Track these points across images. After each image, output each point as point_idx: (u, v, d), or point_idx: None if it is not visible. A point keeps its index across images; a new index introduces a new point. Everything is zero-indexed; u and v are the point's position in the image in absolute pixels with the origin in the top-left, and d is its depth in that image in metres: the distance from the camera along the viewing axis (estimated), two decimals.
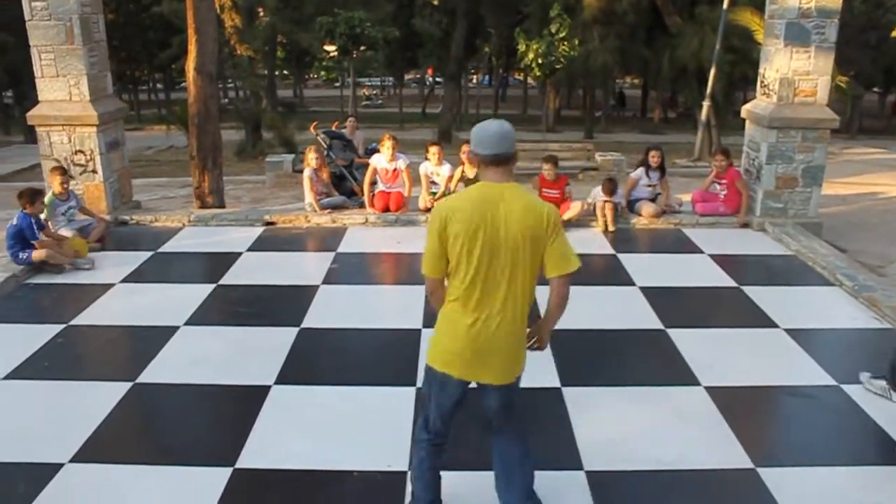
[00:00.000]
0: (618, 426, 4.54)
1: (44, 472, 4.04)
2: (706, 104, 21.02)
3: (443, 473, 3.68)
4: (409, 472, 3.90)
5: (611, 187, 8.86)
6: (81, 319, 6.19)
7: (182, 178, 16.50)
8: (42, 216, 7.67)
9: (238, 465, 4.14)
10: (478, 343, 3.31)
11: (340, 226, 8.90)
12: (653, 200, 9.13)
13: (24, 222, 7.20)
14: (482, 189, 3.28)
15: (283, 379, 5.10)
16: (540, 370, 5.06)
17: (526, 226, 3.23)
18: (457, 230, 3.19)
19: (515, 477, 3.59)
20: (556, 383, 5.03)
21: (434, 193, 9.21)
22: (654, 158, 9.17)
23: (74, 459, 4.18)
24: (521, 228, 3.22)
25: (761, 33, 10.11)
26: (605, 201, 8.73)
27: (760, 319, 6.21)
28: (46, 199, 7.90)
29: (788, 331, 5.93)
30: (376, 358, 5.54)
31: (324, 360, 5.51)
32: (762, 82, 9.03)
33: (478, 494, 3.90)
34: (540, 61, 25.57)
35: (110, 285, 6.95)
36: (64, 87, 8.64)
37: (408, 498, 3.78)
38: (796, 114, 8.57)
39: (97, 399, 4.84)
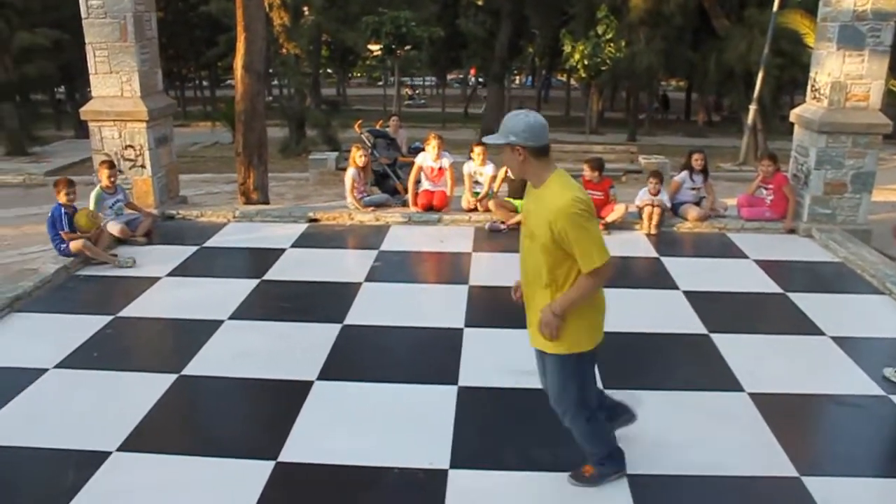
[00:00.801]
0: (660, 430, 4.50)
1: (92, 460, 4.13)
2: (753, 108, 20.76)
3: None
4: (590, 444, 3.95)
5: (658, 179, 8.78)
6: (129, 311, 6.31)
7: (227, 175, 16.72)
8: (90, 207, 7.83)
9: (280, 458, 4.19)
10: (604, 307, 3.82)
11: (383, 224, 8.95)
12: (697, 204, 9.04)
13: (56, 212, 7.37)
14: (568, 176, 3.55)
15: (325, 375, 5.15)
16: None
17: None
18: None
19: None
20: (599, 385, 4.99)
21: (477, 193, 9.22)
22: (697, 161, 9.08)
23: (122, 448, 4.27)
24: None
25: (811, 36, 9.96)
26: (650, 205, 8.67)
27: (806, 326, 6.11)
28: (94, 193, 8.07)
29: (835, 339, 5.83)
30: (418, 356, 5.56)
31: (366, 356, 5.54)
32: (812, 86, 8.88)
33: (525, 495, 3.89)
34: (585, 62, 25.43)
35: (157, 279, 7.08)
36: (116, 84, 8.82)
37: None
38: (847, 119, 8.41)
39: (143, 390, 4.93)
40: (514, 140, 3.43)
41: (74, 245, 7.30)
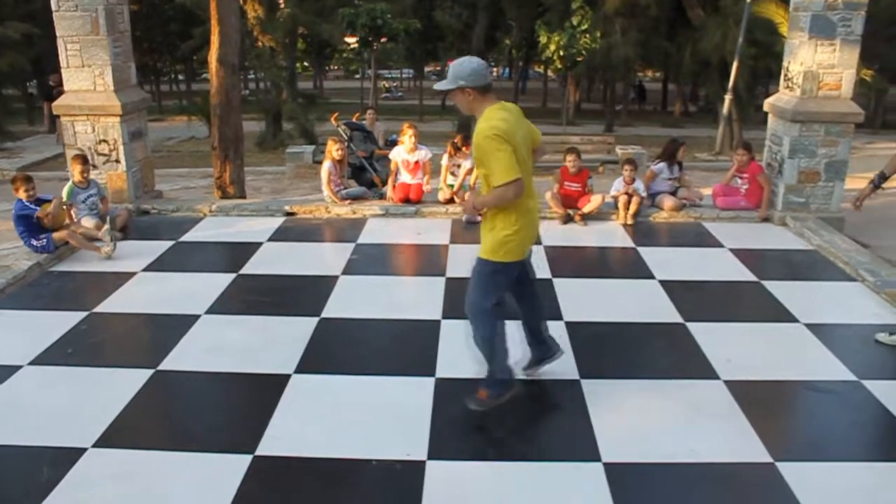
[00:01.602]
0: (636, 419, 4.54)
1: (67, 457, 4.10)
2: (728, 98, 20.86)
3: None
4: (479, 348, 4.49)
5: (632, 167, 8.83)
6: (104, 307, 6.26)
7: (203, 169, 16.60)
8: (65, 199, 7.79)
9: (258, 452, 4.18)
10: (536, 222, 4.47)
11: (360, 217, 8.93)
12: (672, 194, 9.10)
13: (17, 206, 7.32)
14: (507, 106, 4.21)
15: (302, 368, 5.14)
16: (559, 362, 5.07)
17: (531, 132, 4.34)
18: (517, 140, 4.07)
19: (544, 318, 4.88)
20: (575, 375, 5.03)
21: (452, 185, 9.21)
22: (683, 153, 9.16)
23: (97, 444, 4.24)
24: (529, 134, 4.30)
25: (786, 26, 10.02)
26: (627, 194, 8.70)
27: (781, 314, 6.18)
28: (66, 188, 8.00)
29: (809, 325, 5.90)
30: (396, 348, 5.57)
31: (343, 349, 5.54)
32: (786, 76, 8.96)
33: (502, 484, 3.91)
34: (561, 54, 25.46)
35: (132, 274, 7.02)
36: (89, 78, 8.73)
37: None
38: (820, 107, 8.49)
39: (119, 385, 4.90)
40: (462, 84, 4.10)
41: (59, 235, 7.27)
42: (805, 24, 8.36)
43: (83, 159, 8.23)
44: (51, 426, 4.43)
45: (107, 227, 7.59)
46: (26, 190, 7.34)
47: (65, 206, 7.67)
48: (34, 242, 7.26)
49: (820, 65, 8.40)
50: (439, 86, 4.27)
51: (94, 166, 8.81)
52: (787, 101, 8.74)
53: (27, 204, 7.30)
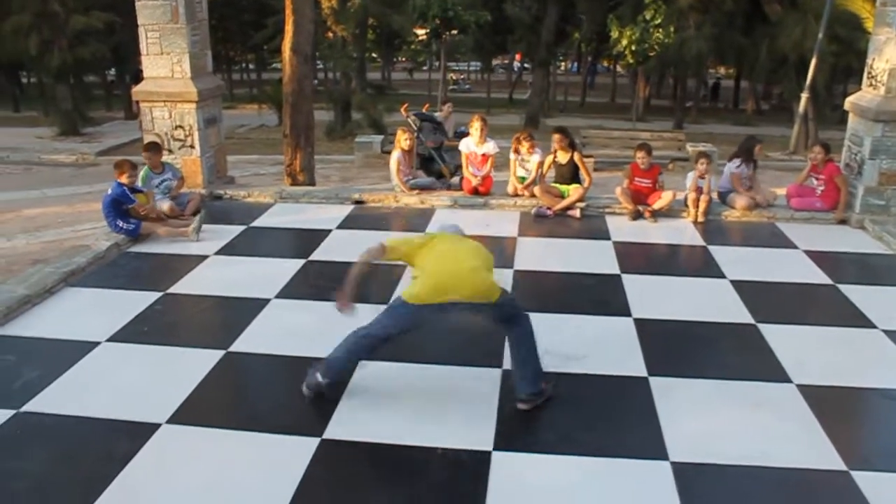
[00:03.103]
0: (705, 419, 4.47)
1: (143, 431, 4.23)
2: (805, 96, 20.30)
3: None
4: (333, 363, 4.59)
5: (707, 160, 8.66)
6: (178, 288, 6.43)
7: (273, 157, 16.89)
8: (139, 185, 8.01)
9: (325, 435, 4.24)
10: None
11: (429, 207, 8.96)
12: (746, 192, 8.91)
13: (118, 190, 7.50)
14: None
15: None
16: (628, 358, 5.02)
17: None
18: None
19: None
20: (644, 373, 4.97)
21: (523, 179, 9.17)
22: (760, 151, 8.95)
23: (171, 421, 4.36)
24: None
25: (871, 21, 9.69)
26: (698, 189, 8.54)
27: (857, 319, 5.99)
28: (142, 173, 8.23)
29: (887, 332, 5.70)
30: (463, 338, 5.55)
31: (411, 337, 5.52)
32: (869, 73, 8.66)
33: (567, 477, 3.90)
34: (633, 48, 25.11)
35: (205, 257, 7.19)
36: (167, 65, 8.95)
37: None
38: None
39: (192, 365, 5.03)
40: None
41: (150, 227, 7.57)
42: (893, 19, 8.06)
43: (152, 147, 8.42)
44: (128, 401, 4.57)
45: (200, 215, 7.85)
46: (130, 176, 7.58)
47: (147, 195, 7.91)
48: (121, 224, 7.48)
49: None
50: None
51: (170, 150, 9.04)
52: (870, 100, 8.45)
53: (127, 192, 7.53)
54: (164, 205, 8.15)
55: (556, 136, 8.99)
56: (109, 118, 29.22)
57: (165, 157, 8.80)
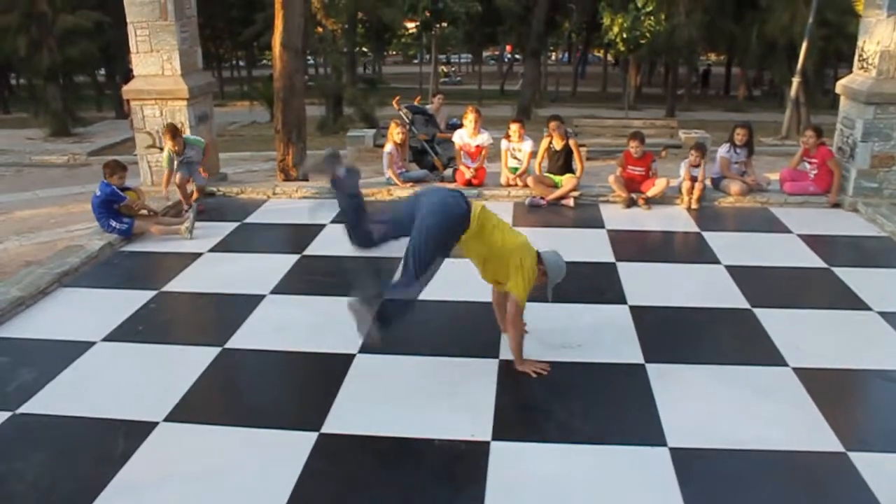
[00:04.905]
0: (702, 404, 4.47)
1: (141, 430, 4.22)
2: (796, 81, 20.29)
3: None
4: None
5: (700, 152, 8.66)
6: (172, 286, 6.41)
7: (265, 153, 16.84)
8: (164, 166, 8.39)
9: (324, 429, 4.24)
10: None
11: None
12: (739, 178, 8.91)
13: (107, 190, 7.47)
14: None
15: (367, 348, 5.17)
16: (624, 345, 5.03)
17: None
18: None
19: None
20: (640, 359, 4.98)
21: (515, 170, 9.17)
22: (739, 136, 8.93)
23: (168, 419, 4.35)
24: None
25: (861, 4, 9.68)
26: (692, 178, 8.55)
27: (852, 301, 6.01)
28: (165, 154, 8.42)
29: (882, 314, 5.72)
30: (459, 329, 5.58)
31: (407, 330, 5.52)
32: (860, 56, 8.67)
33: (565, 466, 3.90)
34: (625, 36, 25.07)
35: (199, 254, 7.17)
36: (157, 62, 8.92)
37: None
38: None
39: (188, 362, 5.02)
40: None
41: (142, 225, 7.57)
42: (883, 1, 8.06)
43: (172, 131, 8.35)
44: (124, 400, 4.56)
45: (191, 213, 7.83)
46: (120, 177, 7.56)
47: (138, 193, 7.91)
48: (114, 224, 7.45)
49: None
50: None
51: (161, 148, 9.01)
52: (862, 83, 8.46)
53: (117, 191, 7.50)
54: (178, 175, 8.34)
55: (553, 124, 9.00)
56: (100, 118, 29.12)
57: (155, 155, 8.79)
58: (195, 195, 8.62)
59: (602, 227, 7.92)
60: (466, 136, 9.25)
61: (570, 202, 8.63)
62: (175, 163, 8.40)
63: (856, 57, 8.83)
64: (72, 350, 5.17)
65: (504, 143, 9.29)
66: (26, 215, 10.43)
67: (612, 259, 6.91)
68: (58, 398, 4.60)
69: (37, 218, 10.20)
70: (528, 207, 8.60)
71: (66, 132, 23.42)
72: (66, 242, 7.97)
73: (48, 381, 4.78)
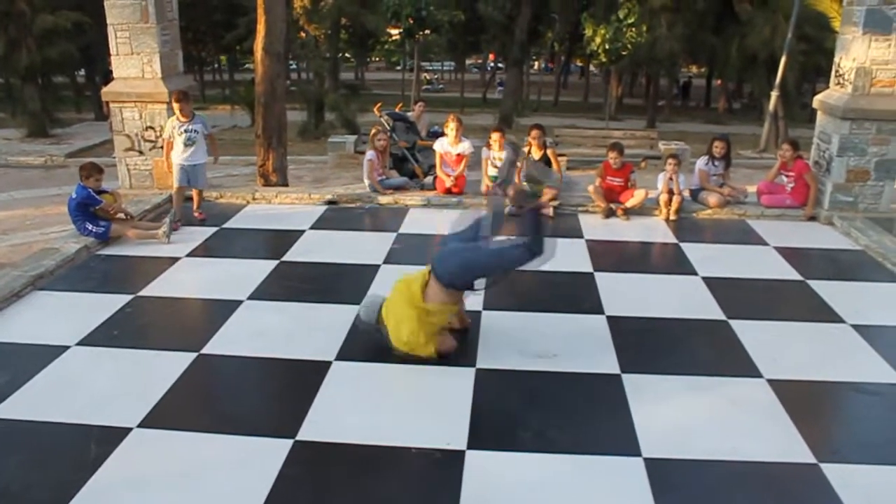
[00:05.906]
0: (677, 415, 4.50)
1: (114, 435, 4.18)
2: (774, 94, 20.53)
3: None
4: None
5: (676, 161, 8.74)
6: (149, 291, 6.36)
7: (245, 157, 16.81)
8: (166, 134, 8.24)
9: (299, 437, 4.22)
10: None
11: (402, 206, 8.95)
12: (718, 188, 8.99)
13: (83, 193, 7.40)
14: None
15: (344, 355, 5.17)
16: (601, 356, 5.04)
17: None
18: None
19: None
20: (617, 370, 5.00)
21: (495, 178, 9.18)
22: (717, 149, 9.02)
23: (143, 425, 4.31)
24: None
25: (839, 20, 9.80)
26: (670, 192, 8.61)
27: (826, 314, 6.07)
28: (168, 121, 8.26)
29: (855, 326, 5.79)
30: None
31: (382, 339, 5.55)
32: (837, 72, 8.78)
33: (541, 475, 3.91)
34: (606, 47, 25.25)
35: (176, 259, 7.12)
36: (137, 65, 8.88)
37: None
38: (872, 105, 8.31)
39: (163, 368, 4.98)
40: None
41: (119, 230, 7.47)
42: (859, 18, 8.18)
43: (182, 96, 8.20)
44: (98, 406, 4.51)
45: (168, 218, 7.75)
46: (97, 179, 7.48)
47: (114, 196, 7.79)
48: (90, 227, 7.37)
49: (873, 61, 8.21)
50: None
51: (140, 152, 8.96)
52: (838, 98, 8.57)
53: (93, 194, 7.43)
54: (183, 153, 8.19)
55: (534, 133, 9.04)
56: (79, 119, 28.88)
57: (134, 158, 8.71)
58: (197, 203, 8.48)
59: (581, 237, 7.95)
60: (448, 145, 9.26)
61: (550, 212, 8.66)
62: (177, 129, 8.15)
63: (833, 73, 8.94)
64: (45, 354, 5.12)
65: (485, 152, 9.30)
66: (1, 217, 10.34)
67: (590, 269, 6.94)
68: (31, 403, 4.55)
69: (12, 220, 10.12)
70: (507, 217, 8.60)
71: (44, 133, 23.22)
72: (41, 245, 7.89)
73: (21, 385, 4.72)
